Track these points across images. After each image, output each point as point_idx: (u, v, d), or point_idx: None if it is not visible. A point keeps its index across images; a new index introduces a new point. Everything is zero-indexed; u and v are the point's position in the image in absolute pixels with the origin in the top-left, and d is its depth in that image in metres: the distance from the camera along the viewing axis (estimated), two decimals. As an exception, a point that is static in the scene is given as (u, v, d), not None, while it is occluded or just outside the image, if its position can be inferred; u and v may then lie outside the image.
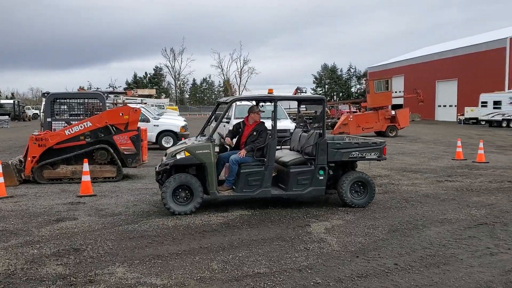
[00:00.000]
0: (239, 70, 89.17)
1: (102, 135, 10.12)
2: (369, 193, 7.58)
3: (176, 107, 50.10)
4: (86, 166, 8.68)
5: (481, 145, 13.86)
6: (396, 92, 49.55)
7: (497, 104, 36.04)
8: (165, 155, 7.36)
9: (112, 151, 10.13)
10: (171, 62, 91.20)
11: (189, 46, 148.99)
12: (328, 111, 40.82)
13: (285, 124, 13.03)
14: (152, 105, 27.60)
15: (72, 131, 10.01)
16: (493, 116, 36.46)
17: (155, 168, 7.34)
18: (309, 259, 5.02)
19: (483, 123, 38.15)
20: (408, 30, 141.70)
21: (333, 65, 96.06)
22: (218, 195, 7.13)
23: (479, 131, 30.57)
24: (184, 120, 20.58)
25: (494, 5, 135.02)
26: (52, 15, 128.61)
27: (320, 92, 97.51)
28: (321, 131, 7.45)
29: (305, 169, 7.37)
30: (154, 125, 17.01)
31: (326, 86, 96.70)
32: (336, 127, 25.70)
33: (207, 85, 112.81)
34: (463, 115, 42.95)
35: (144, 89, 51.23)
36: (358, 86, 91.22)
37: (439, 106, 53.43)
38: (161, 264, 4.85)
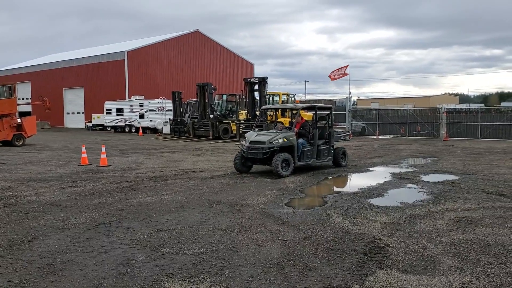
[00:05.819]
0: None
1: None
2: (346, 158, 13.68)
3: None
4: None
5: (103, 149, 14.82)
6: (23, 99, 46.58)
7: (120, 111, 39.20)
8: (246, 141, 11.86)
9: None
10: None
11: None
12: None
13: None
14: None
15: None
16: (117, 122, 39.41)
17: (242, 147, 11.91)
18: None
19: (109, 129, 40.67)
20: (31, 36, 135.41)
21: None
22: (297, 164, 11.72)
23: (105, 136, 32.47)
24: None
25: (112, 21, 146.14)
26: None
27: None
28: (331, 125, 13.28)
29: (326, 147, 12.76)
30: None
31: None
32: None
33: None
34: (91, 121, 44.54)
35: None
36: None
37: (68, 113, 53.55)
38: None
